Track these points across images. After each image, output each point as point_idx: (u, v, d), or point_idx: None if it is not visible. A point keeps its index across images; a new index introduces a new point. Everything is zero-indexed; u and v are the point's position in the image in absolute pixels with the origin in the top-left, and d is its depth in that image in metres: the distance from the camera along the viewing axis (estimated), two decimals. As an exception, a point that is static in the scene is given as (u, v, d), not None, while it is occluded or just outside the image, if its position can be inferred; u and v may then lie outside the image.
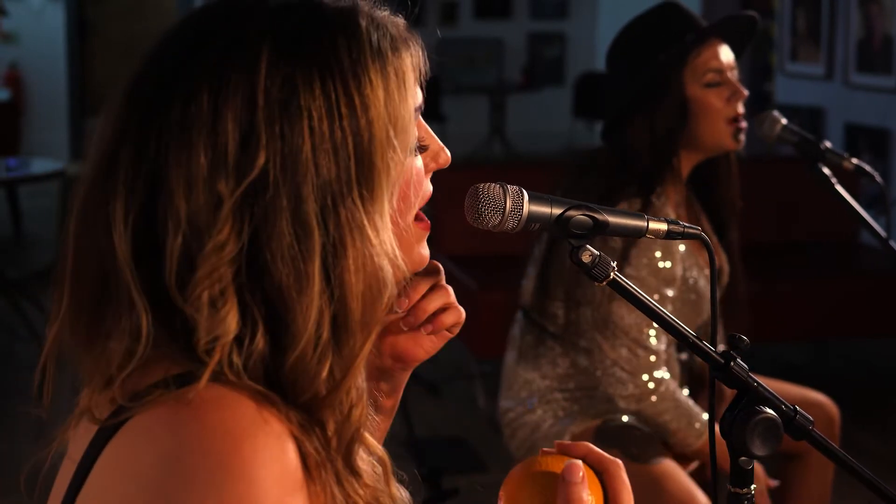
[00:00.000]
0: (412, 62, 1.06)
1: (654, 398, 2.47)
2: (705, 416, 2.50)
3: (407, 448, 4.10)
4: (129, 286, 0.96)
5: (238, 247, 0.95)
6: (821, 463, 2.76)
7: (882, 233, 2.40)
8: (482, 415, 4.76)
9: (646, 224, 1.25)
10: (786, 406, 1.29)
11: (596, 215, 1.23)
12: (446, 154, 1.15)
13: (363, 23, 1.03)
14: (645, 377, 2.47)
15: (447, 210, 5.24)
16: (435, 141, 1.14)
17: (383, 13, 1.07)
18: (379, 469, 1.04)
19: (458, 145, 11.52)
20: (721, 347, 1.40)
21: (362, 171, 0.99)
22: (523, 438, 2.63)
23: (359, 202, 0.98)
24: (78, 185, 1.02)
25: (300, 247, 0.96)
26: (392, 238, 1.02)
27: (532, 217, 1.21)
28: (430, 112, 10.95)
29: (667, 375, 2.49)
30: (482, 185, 1.21)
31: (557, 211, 1.22)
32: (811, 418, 1.31)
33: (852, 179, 4.76)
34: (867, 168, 2.43)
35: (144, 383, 0.97)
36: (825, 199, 2.46)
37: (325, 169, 0.97)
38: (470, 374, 5.02)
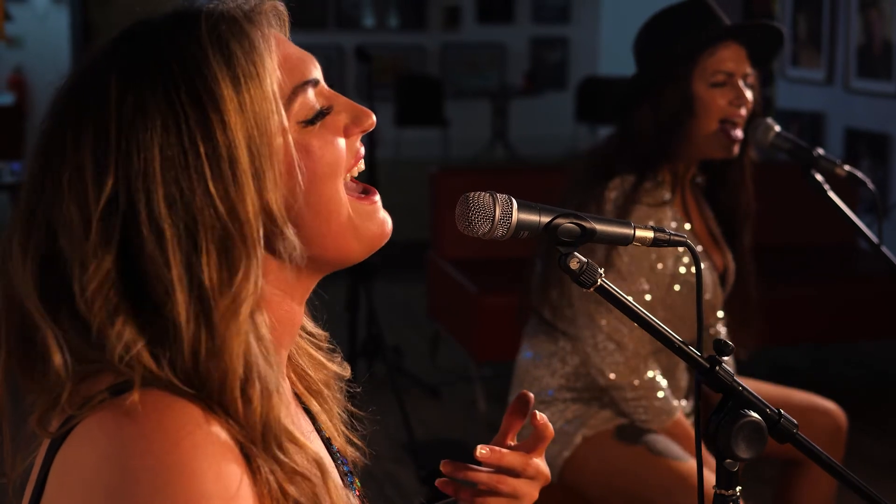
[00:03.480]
0: (265, 44, 1.07)
1: (648, 374, 2.51)
2: (675, 407, 2.53)
3: (407, 451, 4.13)
4: (36, 317, 1.02)
5: (112, 264, 1.00)
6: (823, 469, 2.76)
7: (874, 239, 2.42)
8: (482, 418, 4.78)
9: (632, 232, 1.28)
10: (770, 409, 1.31)
11: (583, 223, 1.25)
12: (370, 118, 1.14)
13: (202, 18, 1.06)
14: (635, 350, 2.51)
15: (449, 215, 5.26)
16: (352, 106, 1.14)
17: (228, 2, 1.08)
18: (316, 470, 1.07)
19: (460, 149, 11.61)
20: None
21: (217, 164, 1.01)
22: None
23: (215, 195, 1.01)
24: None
25: (160, 251, 1.00)
26: (259, 221, 1.03)
27: (521, 225, 1.24)
28: (433, 116, 11.02)
29: (642, 357, 2.53)
30: (472, 193, 1.24)
31: (546, 219, 1.25)
32: (796, 422, 1.33)
33: (852, 185, 4.78)
34: (860, 175, 2.46)
35: (92, 391, 1.01)
36: (823, 204, 2.48)
37: (174, 175, 1.00)
38: (470, 378, 5.04)
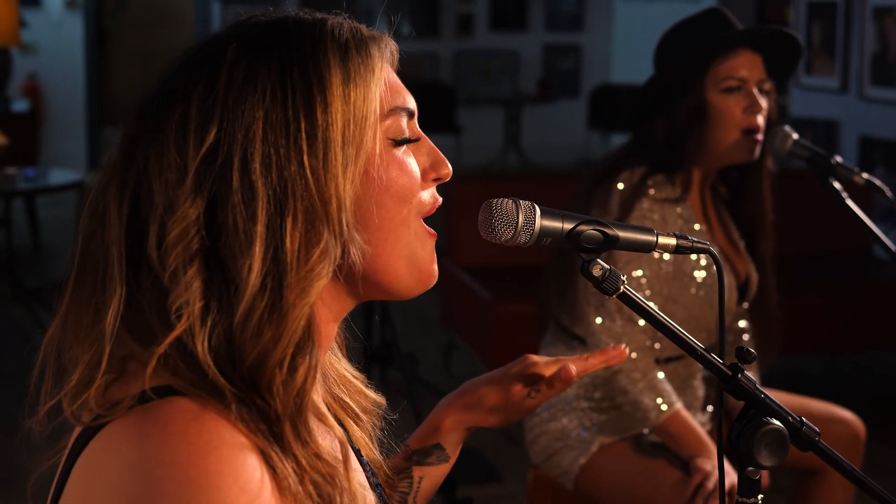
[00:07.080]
0: (380, 53, 1.13)
1: (626, 365, 2.50)
2: (675, 401, 2.52)
3: (421, 458, 4.12)
4: (115, 267, 1.04)
5: (200, 212, 1.03)
6: (841, 479, 2.75)
7: (892, 247, 2.42)
8: (496, 425, 4.77)
9: (655, 239, 1.28)
10: (793, 418, 1.31)
11: (606, 230, 1.26)
12: (447, 168, 1.19)
13: (327, 20, 1.12)
14: (625, 344, 2.50)
15: (462, 222, 5.28)
16: (435, 151, 1.18)
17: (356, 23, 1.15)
18: (338, 454, 1.07)
19: (473, 157, 11.62)
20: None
21: (313, 142, 1.05)
22: (545, 445, 2.65)
23: (308, 169, 1.05)
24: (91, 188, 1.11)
25: (249, 206, 1.02)
26: (345, 209, 1.07)
27: (544, 232, 1.24)
28: (446, 123, 11.04)
29: (645, 352, 2.53)
30: (495, 200, 1.24)
31: (569, 226, 1.25)
32: (817, 430, 1.33)
33: (867, 193, 4.78)
34: (878, 183, 2.45)
35: (124, 393, 1.01)
36: (839, 212, 2.48)
37: (274, 139, 1.04)
38: (484, 385, 5.03)
